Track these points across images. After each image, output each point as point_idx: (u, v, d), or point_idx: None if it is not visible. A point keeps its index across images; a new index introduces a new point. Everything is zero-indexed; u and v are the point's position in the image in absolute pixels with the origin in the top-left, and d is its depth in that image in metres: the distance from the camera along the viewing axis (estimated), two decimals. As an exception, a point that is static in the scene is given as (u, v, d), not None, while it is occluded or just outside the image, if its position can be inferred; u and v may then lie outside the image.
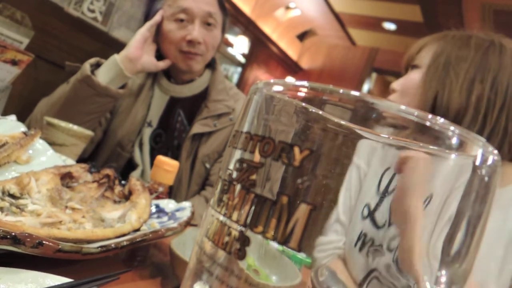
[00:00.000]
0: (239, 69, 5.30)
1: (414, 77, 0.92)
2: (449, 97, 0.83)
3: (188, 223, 0.66)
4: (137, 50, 1.16)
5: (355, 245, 0.20)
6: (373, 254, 0.20)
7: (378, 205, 0.20)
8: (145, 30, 1.18)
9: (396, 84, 0.96)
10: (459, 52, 0.87)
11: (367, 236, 0.20)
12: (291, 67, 6.21)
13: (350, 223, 0.20)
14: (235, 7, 4.53)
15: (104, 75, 1.12)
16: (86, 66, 1.10)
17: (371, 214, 0.20)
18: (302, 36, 6.14)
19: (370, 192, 0.20)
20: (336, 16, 5.33)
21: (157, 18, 1.20)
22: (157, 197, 0.83)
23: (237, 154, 0.23)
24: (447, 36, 0.92)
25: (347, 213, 0.20)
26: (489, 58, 0.85)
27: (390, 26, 5.21)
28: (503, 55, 0.86)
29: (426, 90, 0.86)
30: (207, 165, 1.27)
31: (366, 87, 6.02)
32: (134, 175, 1.25)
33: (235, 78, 5.30)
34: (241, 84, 5.16)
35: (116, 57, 1.14)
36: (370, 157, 0.20)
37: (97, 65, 1.15)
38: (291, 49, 6.07)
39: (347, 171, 0.20)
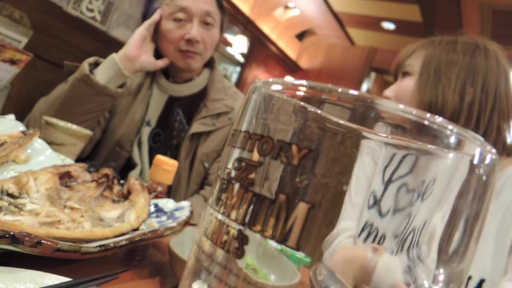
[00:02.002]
0: (238, 69, 5.30)
1: (407, 84, 0.94)
2: (443, 102, 0.86)
3: (187, 222, 0.66)
4: (136, 49, 1.15)
5: (359, 235, 0.20)
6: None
7: (384, 193, 0.20)
8: (144, 29, 1.18)
9: (389, 92, 0.98)
10: (447, 57, 0.90)
11: (373, 227, 0.20)
12: (290, 66, 6.21)
13: (362, 206, 0.20)
14: (234, 7, 4.53)
15: (103, 74, 1.12)
16: (85, 65, 1.10)
17: (377, 203, 0.20)
18: (301, 36, 6.13)
19: (375, 181, 0.20)
20: (335, 15, 5.33)
21: (155, 17, 1.20)
22: (156, 197, 0.83)
23: (236, 153, 0.23)
24: (434, 42, 0.95)
25: (360, 194, 0.20)
26: (476, 61, 0.89)
27: (389, 25, 5.21)
28: (488, 57, 0.90)
29: (421, 97, 0.90)
30: (206, 165, 1.27)
31: (365, 86, 6.02)
32: (133, 174, 1.25)
33: (234, 77, 5.30)
34: (240, 83, 5.15)
35: (114, 56, 1.14)
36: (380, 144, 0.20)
37: (96, 64, 1.15)
38: (290, 48, 6.07)
39: (360, 152, 0.20)
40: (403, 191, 0.20)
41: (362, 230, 0.20)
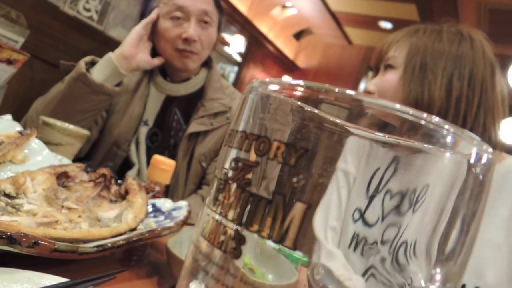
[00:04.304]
0: (236, 68, 5.29)
1: (390, 78, 0.90)
2: (429, 99, 0.83)
3: (185, 222, 0.66)
4: (132, 48, 1.15)
5: (349, 246, 0.20)
6: (368, 253, 0.20)
7: (368, 206, 0.20)
8: (140, 28, 1.18)
9: (372, 86, 0.94)
10: (433, 49, 0.86)
11: (359, 236, 0.20)
12: (287, 66, 6.21)
13: (342, 227, 0.20)
14: (231, 6, 4.52)
15: (99, 73, 1.12)
16: (81, 64, 1.10)
17: (362, 216, 0.20)
18: (298, 35, 6.13)
19: (359, 196, 0.20)
20: (332, 15, 5.33)
21: (152, 16, 1.20)
22: (154, 196, 0.83)
23: (233, 153, 0.23)
24: (418, 31, 0.91)
25: (340, 218, 0.20)
26: (463, 52, 0.85)
27: (386, 25, 5.22)
28: (474, 48, 0.86)
29: (406, 94, 0.85)
30: (204, 164, 1.27)
31: (362, 85, 6.03)
32: (131, 174, 1.25)
33: (232, 77, 5.29)
34: (238, 83, 5.15)
35: (111, 55, 1.14)
36: (361, 157, 0.20)
37: (92, 64, 1.15)
38: (288, 48, 6.07)
39: (352, 149, 0.20)
40: (395, 197, 0.20)
41: (351, 240, 0.20)
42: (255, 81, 0.24)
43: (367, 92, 0.94)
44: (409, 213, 0.20)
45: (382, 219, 0.20)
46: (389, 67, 0.92)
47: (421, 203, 0.20)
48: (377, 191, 0.20)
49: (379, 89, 0.92)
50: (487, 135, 0.84)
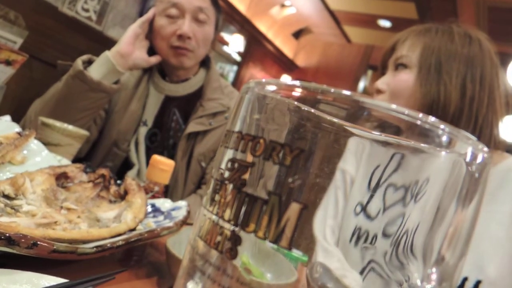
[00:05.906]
0: (235, 68, 5.30)
1: (406, 78, 0.89)
2: (445, 99, 0.83)
3: (184, 222, 0.66)
4: (128, 46, 1.15)
5: (350, 240, 0.20)
6: (367, 248, 0.20)
7: (370, 199, 0.20)
8: (137, 26, 1.18)
9: (383, 84, 0.92)
10: (446, 49, 0.87)
11: (361, 230, 0.20)
12: (286, 65, 6.21)
13: (341, 224, 0.20)
14: (230, 6, 4.53)
15: (96, 71, 1.12)
16: (78, 62, 1.10)
17: (364, 209, 0.20)
18: (297, 34, 6.13)
19: (361, 191, 0.20)
20: (331, 13, 5.33)
21: (149, 14, 1.20)
22: (153, 197, 0.83)
23: (229, 153, 0.23)
24: (429, 31, 0.91)
25: (336, 217, 0.20)
26: (474, 53, 0.86)
27: (385, 23, 5.22)
28: (483, 49, 0.87)
29: (423, 94, 0.85)
30: (203, 164, 1.27)
31: (361, 84, 6.03)
32: (131, 174, 1.25)
33: (231, 76, 5.30)
34: (237, 82, 5.15)
35: (107, 53, 1.14)
36: (360, 156, 0.20)
37: (89, 62, 1.15)
38: (287, 47, 6.07)
39: (350, 149, 0.20)
40: (396, 191, 0.20)
41: (352, 235, 0.20)
42: (251, 81, 0.24)
43: (376, 91, 0.93)
44: (411, 203, 0.20)
45: (384, 211, 0.20)
46: (401, 66, 0.91)
47: (423, 194, 0.20)
48: (378, 185, 0.20)
49: (392, 89, 0.91)
50: (494, 134, 0.85)
